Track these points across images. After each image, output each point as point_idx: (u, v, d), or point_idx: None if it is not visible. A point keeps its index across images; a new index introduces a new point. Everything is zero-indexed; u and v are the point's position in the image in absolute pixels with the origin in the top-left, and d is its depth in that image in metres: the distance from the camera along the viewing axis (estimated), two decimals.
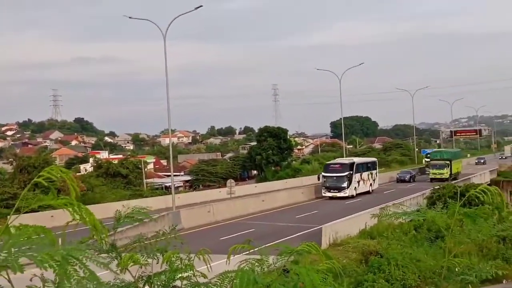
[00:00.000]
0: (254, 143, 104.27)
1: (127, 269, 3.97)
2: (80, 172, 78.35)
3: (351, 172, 53.72)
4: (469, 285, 6.49)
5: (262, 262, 4.43)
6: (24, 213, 3.14)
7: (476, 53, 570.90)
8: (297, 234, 31.94)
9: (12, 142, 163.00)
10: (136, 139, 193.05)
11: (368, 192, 56.47)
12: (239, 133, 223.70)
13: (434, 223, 6.06)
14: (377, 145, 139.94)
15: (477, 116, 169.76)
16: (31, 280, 3.00)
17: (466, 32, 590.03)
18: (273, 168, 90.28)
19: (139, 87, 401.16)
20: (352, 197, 52.61)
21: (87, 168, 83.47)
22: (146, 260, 4.15)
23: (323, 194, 53.52)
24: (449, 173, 67.06)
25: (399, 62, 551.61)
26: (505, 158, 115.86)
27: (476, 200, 5.39)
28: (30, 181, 3.02)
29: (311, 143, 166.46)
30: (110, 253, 3.97)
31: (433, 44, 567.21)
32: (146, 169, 76.31)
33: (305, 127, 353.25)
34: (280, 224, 37.43)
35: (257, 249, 4.64)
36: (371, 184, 58.52)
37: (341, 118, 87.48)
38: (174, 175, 54.35)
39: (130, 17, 48.05)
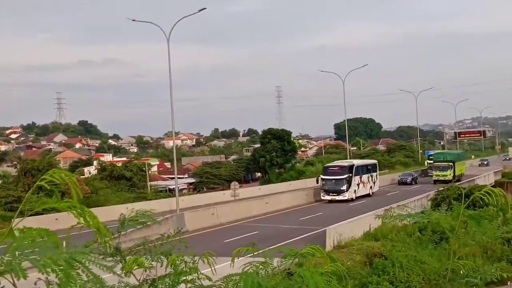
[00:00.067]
0: (258, 145, 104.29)
1: (132, 273, 3.97)
2: (84, 175, 78.44)
3: (351, 174, 52.81)
4: None
5: (266, 265, 4.42)
6: (29, 216, 3.15)
7: (480, 54, 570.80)
8: (301, 236, 31.89)
9: (16, 145, 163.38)
10: (140, 142, 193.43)
11: (368, 195, 55.69)
12: (243, 135, 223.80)
13: (439, 225, 6.04)
14: (381, 147, 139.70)
15: (481, 117, 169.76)
16: (35, 283, 3.00)
17: (470, 33, 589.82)
18: (277, 170, 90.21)
19: (142, 90, 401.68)
20: (351, 200, 51.84)
21: (91, 171, 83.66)
22: (151, 263, 4.15)
23: (322, 197, 52.61)
24: (452, 174, 66.87)
25: (402, 63, 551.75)
26: (509, 159, 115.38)
27: (481, 202, 5.37)
28: (34, 184, 3.02)
29: (315, 145, 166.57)
30: (115, 257, 3.97)
31: (437, 46, 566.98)
32: (150, 172, 76.39)
33: (308, 129, 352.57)
34: (284, 226, 37.39)
35: (261, 251, 4.64)
36: (371, 187, 57.64)
37: (344, 120, 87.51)
38: (178, 178, 54.31)
39: (133, 20, 48.13)
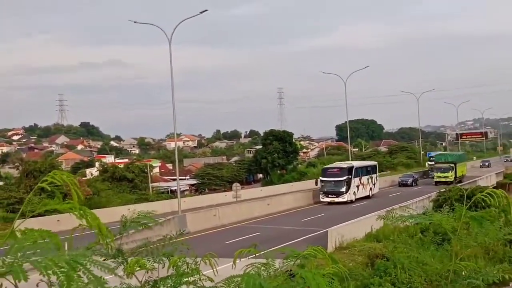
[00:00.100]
0: (259, 147, 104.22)
1: (134, 274, 3.97)
2: (86, 176, 78.45)
3: (350, 176, 52.40)
4: None
5: (268, 266, 4.42)
6: (31, 217, 3.15)
7: (482, 55, 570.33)
8: (302, 238, 31.90)
9: (18, 147, 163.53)
10: (142, 143, 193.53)
11: (368, 197, 55.33)
12: (245, 137, 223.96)
13: (441, 226, 6.03)
14: (383, 148, 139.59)
15: (483, 119, 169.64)
16: (37, 285, 3.00)
17: (471, 34, 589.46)
18: (278, 171, 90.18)
19: (144, 91, 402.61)
20: (351, 202, 51.54)
21: (93, 172, 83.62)
22: (153, 265, 4.15)
23: (321, 200, 52.14)
24: (453, 176, 66.80)
25: (403, 64, 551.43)
26: (510, 160, 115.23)
27: (483, 203, 5.37)
28: (36, 185, 3.03)
29: (317, 147, 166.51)
30: (117, 258, 3.98)
31: (438, 46, 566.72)
32: (151, 173, 76.37)
33: (310, 130, 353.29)
34: (286, 227, 37.38)
35: (263, 252, 4.65)
36: (371, 189, 57.18)
37: (346, 121, 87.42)
38: (180, 179, 54.35)
39: (135, 22, 48.23)
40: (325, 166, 60.18)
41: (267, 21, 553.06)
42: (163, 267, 4.22)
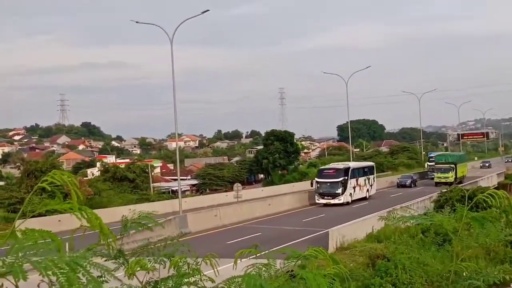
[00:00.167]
0: (260, 147, 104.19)
1: (134, 275, 3.97)
2: (87, 176, 78.52)
3: (346, 177, 51.36)
4: None
5: (269, 267, 4.42)
6: (32, 217, 3.15)
7: (483, 55, 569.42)
8: (303, 238, 31.92)
9: (20, 147, 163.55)
10: (143, 143, 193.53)
11: (364, 198, 54.50)
12: (246, 137, 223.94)
13: (442, 227, 6.03)
14: (384, 149, 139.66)
15: (484, 119, 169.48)
16: (38, 285, 3.01)
17: (472, 34, 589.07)
18: (280, 171, 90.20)
19: (145, 91, 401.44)
20: (347, 204, 50.51)
21: (94, 172, 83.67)
22: (153, 266, 4.15)
23: (317, 201, 51.05)
24: (454, 176, 66.60)
25: (404, 65, 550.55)
26: (511, 161, 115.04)
27: (484, 204, 5.37)
28: (37, 185, 3.03)
29: (318, 147, 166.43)
30: (118, 259, 3.98)
31: (439, 47, 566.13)
32: (153, 173, 76.37)
33: (311, 130, 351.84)
34: (287, 228, 37.40)
35: (264, 253, 4.65)
36: (368, 190, 56.24)
37: (347, 122, 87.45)
38: (181, 179, 54.37)
39: (137, 22, 48.21)
40: (321, 167, 59.58)
41: (267, 21, 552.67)
42: (164, 268, 4.23)
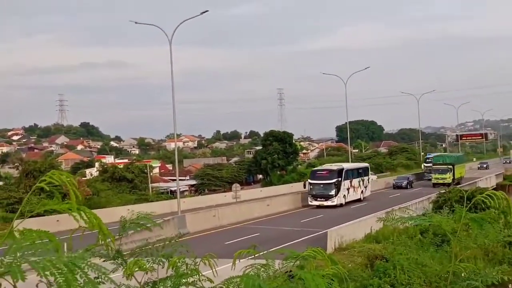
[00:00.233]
0: (259, 148, 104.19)
1: (133, 275, 3.97)
2: (85, 176, 78.42)
3: (340, 179, 50.39)
4: None
5: (268, 267, 4.42)
6: (30, 217, 3.15)
7: (482, 56, 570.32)
8: (302, 239, 31.91)
9: (18, 147, 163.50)
10: (142, 144, 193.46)
11: (359, 200, 53.71)
12: (245, 138, 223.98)
13: (440, 228, 6.03)
14: (383, 149, 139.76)
15: (483, 120, 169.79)
16: (37, 285, 3.00)
17: (471, 35, 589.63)
18: (278, 172, 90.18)
19: (145, 92, 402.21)
20: (341, 206, 49.68)
21: (92, 172, 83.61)
22: (152, 266, 4.15)
23: (310, 203, 50.19)
24: (452, 177, 66.41)
25: (404, 65, 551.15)
26: (509, 162, 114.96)
27: (482, 205, 5.37)
28: (35, 185, 3.03)
29: (317, 147, 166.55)
30: (116, 260, 3.97)
31: (438, 48, 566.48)
32: (151, 174, 76.37)
33: (310, 131, 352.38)
34: (285, 228, 37.38)
35: (262, 253, 4.64)
36: (362, 192, 55.35)
37: (346, 122, 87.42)
38: (180, 180, 54.33)
39: (136, 22, 48.20)
40: (314, 168, 58.94)
41: (267, 21, 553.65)
42: (162, 268, 4.22)
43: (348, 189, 52.22)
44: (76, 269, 2.64)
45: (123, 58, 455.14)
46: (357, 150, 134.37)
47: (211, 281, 4.27)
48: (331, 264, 4.36)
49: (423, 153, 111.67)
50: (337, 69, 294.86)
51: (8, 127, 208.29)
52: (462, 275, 6.02)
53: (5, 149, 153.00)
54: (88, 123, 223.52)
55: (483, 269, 7.13)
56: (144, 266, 4.01)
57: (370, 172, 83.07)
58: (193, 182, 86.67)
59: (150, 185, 69.69)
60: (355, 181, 54.18)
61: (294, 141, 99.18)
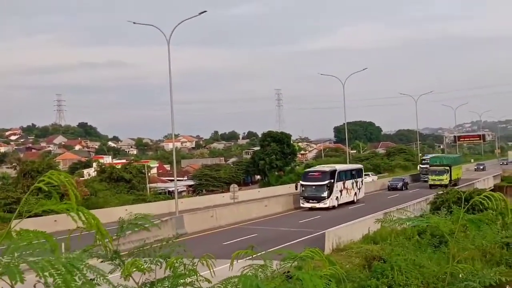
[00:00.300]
0: (257, 148, 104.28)
1: (131, 276, 3.97)
2: (83, 176, 78.40)
3: (332, 180, 49.68)
4: None
5: (266, 268, 4.42)
6: (27, 217, 3.14)
7: (481, 57, 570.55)
8: (300, 239, 31.93)
9: (16, 147, 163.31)
10: (140, 144, 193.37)
11: (352, 202, 53.02)
12: (243, 138, 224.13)
13: (438, 229, 6.05)
14: (381, 150, 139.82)
15: (481, 121, 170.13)
16: (34, 286, 3.00)
17: (471, 35, 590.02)
18: (276, 173, 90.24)
19: (143, 92, 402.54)
20: (333, 208, 48.97)
21: (90, 172, 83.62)
22: (149, 266, 4.14)
23: (301, 205, 49.44)
24: (448, 179, 66.23)
25: (403, 66, 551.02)
26: (506, 164, 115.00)
27: (480, 206, 5.37)
28: (33, 185, 3.02)
29: (315, 148, 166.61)
30: (114, 260, 3.97)
31: (437, 48, 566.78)
32: (149, 174, 76.34)
33: (308, 132, 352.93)
34: (283, 229, 37.41)
35: (260, 254, 4.64)
36: (355, 194, 54.60)
37: (344, 123, 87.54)
38: (178, 180, 54.31)
39: (134, 23, 48.22)
40: (306, 170, 58.53)
41: (267, 21, 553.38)
42: (160, 268, 4.22)
43: (341, 191, 51.51)
44: (74, 270, 2.64)
45: (122, 58, 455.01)
46: (355, 151, 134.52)
47: (209, 281, 4.27)
48: (329, 264, 4.36)
49: (420, 154, 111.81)
50: (336, 69, 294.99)
51: (6, 127, 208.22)
52: (460, 276, 6.02)
53: (2, 149, 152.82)
54: (86, 123, 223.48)
55: (480, 270, 7.14)
56: (142, 267, 4.01)
57: (370, 172, 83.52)
58: (191, 182, 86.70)
59: (148, 185, 69.65)
60: (348, 183, 53.43)
61: (292, 142, 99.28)
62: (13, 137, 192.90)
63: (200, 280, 4.24)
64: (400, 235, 28.19)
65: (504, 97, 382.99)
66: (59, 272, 2.57)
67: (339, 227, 31.62)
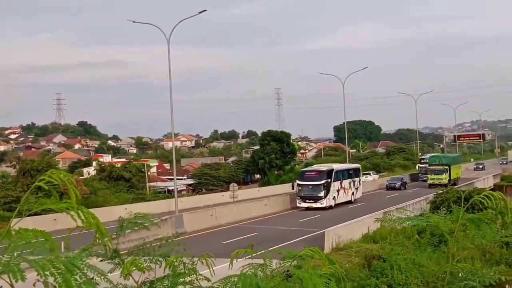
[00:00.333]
0: (257, 147, 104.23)
1: (130, 275, 3.97)
2: (83, 175, 78.37)
3: (329, 180, 49.07)
4: None
5: (265, 267, 4.42)
6: (27, 216, 3.14)
7: (480, 57, 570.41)
8: (299, 238, 31.92)
9: (16, 146, 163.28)
10: (139, 143, 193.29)
11: (349, 202, 52.33)
12: (242, 137, 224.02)
13: (438, 228, 6.04)
14: (380, 149, 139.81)
15: (481, 121, 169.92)
16: (34, 285, 3.00)
17: (470, 36, 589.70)
18: (276, 172, 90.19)
19: (143, 91, 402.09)
20: (330, 208, 48.42)
21: (90, 171, 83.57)
22: (149, 265, 4.14)
23: (298, 205, 48.73)
24: (448, 178, 66.01)
25: (403, 66, 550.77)
26: (506, 163, 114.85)
27: (480, 205, 5.37)
28: (33, 184, 3.02)
29: (314, 147, 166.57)
30: (113, 259, 3.97)
31: (436, 48, 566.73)
32: (149, 173, 76.29)
33: (308, 131, 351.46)
34: (283, 228, 37.41)
35: (260, 253, 4.64)
36: (353, 193, 53.95)
37: (344, 122, 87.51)
38: (177, 179, 54.31)
39: (134, 22, 48.09)
40: (303, 169, 57.92)
41: (267, 21, 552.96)
42: (160, 267, 4.22)
43: (338, 190, 51.00)
44: (75, 269, 2.64)
45: (122, 58, 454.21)
46: (354, 150, 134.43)
47: (208, 280, 4.27)
48: (328, 263, 4.36)
49: (420, 154, 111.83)
50: (336, 69, 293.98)
51: (6, 125, 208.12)
52: (460, 275, 6.02)
53: (2, 147, 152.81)
54: (86, 122, 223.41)
55: (480, 269, 7.14)
56: (142, 266, 4.01)
57: (371, 172, 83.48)
58: (191, 181, 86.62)
59: (147, 184, 69.60)
60: (346, 183, 52.91)
61: (291, 141, 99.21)
62: (12, 136, 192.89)
63: (199, 279, 4.24)
64: (399, 234, 28.23)
65: (504, 97, 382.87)
66: (59, 271, 2.58)
67: (338, 226, 31.62)
